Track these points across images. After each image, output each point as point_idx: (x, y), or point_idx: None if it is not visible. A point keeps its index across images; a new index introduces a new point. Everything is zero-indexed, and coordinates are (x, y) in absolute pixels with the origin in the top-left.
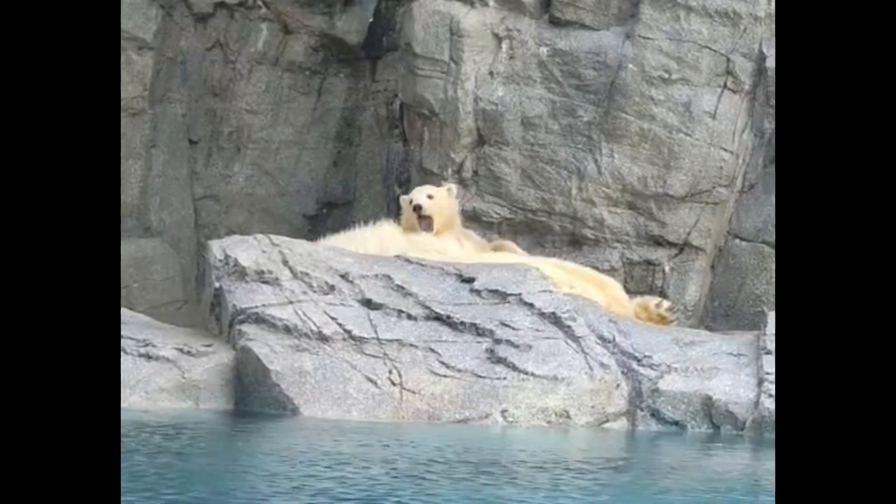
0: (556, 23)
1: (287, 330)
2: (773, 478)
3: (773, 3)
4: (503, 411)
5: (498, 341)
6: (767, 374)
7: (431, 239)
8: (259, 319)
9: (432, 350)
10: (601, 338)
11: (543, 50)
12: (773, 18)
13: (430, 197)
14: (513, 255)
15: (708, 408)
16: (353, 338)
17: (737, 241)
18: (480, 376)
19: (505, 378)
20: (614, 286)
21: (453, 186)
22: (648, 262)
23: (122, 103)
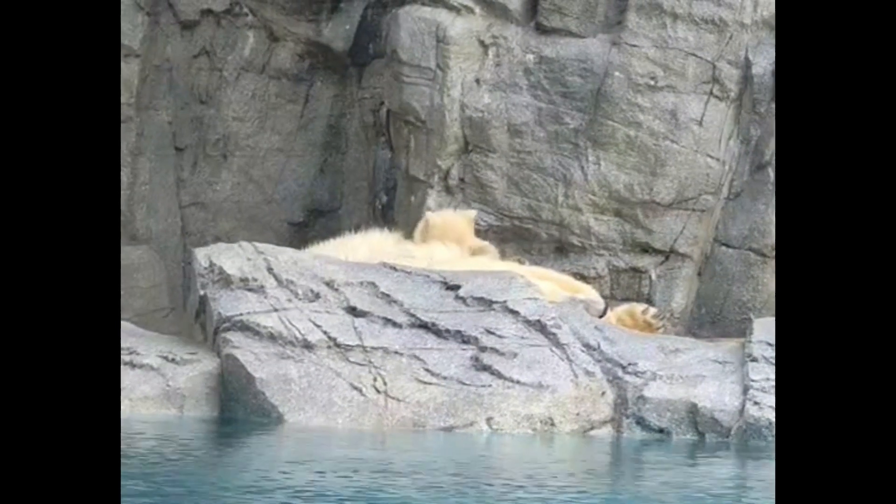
0: (542, 30)
1: (272, 337)
2: (758, 484)
3: (760, 11)
4: (488, 419)
5: (483, 349)
6: (753, 381)
7: (419, 246)
8: (244, 327)
9: (417, 358)
10: (586, 345)
11: (530, 57)
12: (760, 26)
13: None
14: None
15: (693, 415)
16: (337, 345)
17: (723, 248)
18: (465, 384)
19: (490, 385)
20: (589, 293)
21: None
22: (635, 270)
23: None
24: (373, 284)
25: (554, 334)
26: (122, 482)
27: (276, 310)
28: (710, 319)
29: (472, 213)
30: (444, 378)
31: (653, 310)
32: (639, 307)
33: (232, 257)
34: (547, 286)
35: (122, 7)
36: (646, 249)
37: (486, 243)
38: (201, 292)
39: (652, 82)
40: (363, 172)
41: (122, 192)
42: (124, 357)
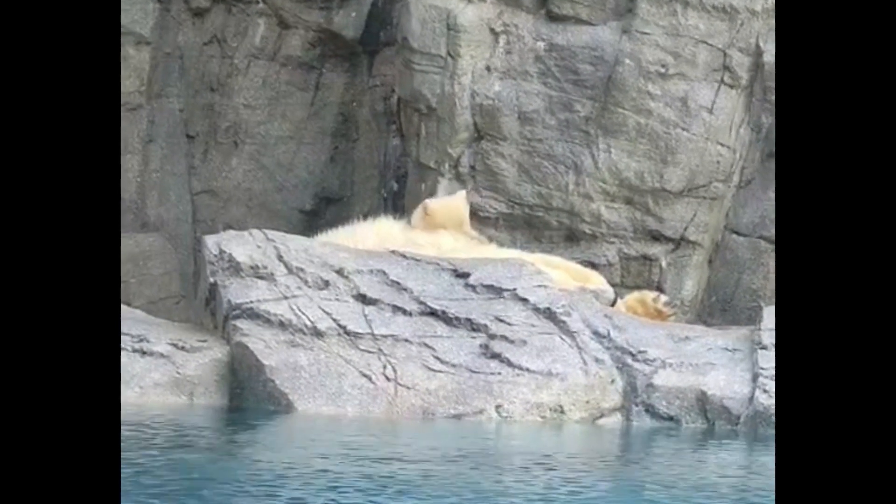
0: (553, 18)
1: (282, 325)
2: (766, 472)
3: None
4: (497, 407)
5: (492, 336)
6: (762, 369)
7: (428, 234)
8: (254, 315)
9: (427, 345)
10: (596, 333)
11: (540, 45)
12: (770, 13)
13: None
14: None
15: (702, 403)
16: (347, 333)
17: (734, 236)
18: (475, 371)
19: (499, 373)
20: (598, 280)
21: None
22: (645, 258)
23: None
24: (383, 272)
25: (563, 322)
26: (129, 470)
27: (285, 297)
28: (721, 307)
29: (463, 192)
30: (454, 366)
31: (663, 297)
32: (649, 295)
33: (242, 245)
34: (556, 274)
35: None
36: (656, 237)
37: (476, 234)
38: (211, 280)
39: (662, 70)
40: (374, 160)
41: (133, 180)
42: (134, 345)
